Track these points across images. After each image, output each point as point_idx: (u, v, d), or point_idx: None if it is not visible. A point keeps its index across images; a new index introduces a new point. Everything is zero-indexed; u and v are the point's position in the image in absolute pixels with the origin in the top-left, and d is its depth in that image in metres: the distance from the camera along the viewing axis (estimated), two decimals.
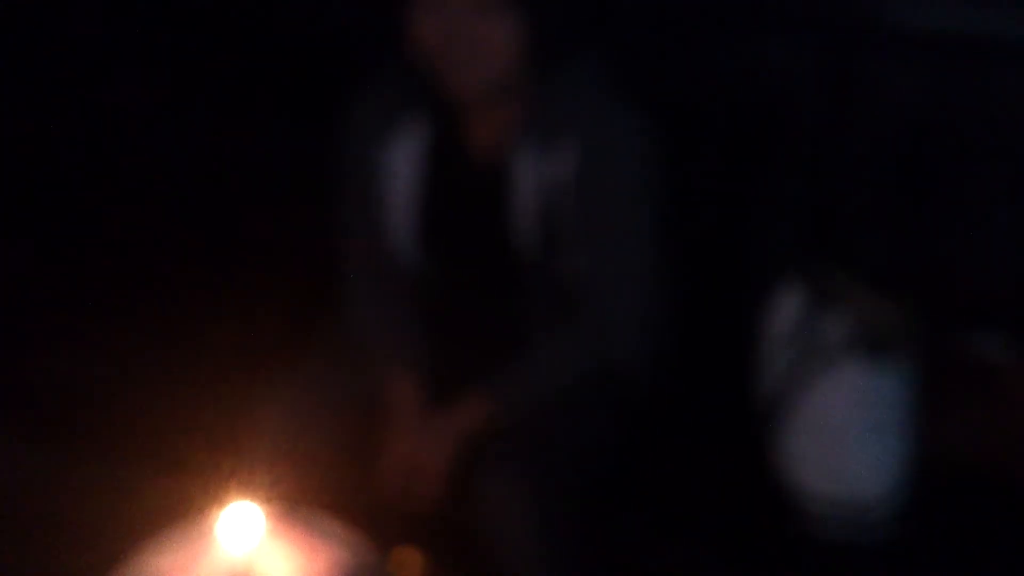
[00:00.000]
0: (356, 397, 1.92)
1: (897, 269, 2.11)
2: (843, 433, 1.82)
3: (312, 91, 2.44)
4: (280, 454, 1.74)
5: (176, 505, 1.36)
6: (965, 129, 2.10)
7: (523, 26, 1.78)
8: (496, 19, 1.78)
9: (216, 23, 2.58)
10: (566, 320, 1.90)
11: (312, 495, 1.33)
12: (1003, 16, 2.06)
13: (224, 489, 1.29)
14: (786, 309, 1.87)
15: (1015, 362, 1.94)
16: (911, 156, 2.12)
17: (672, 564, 1.83)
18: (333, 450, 1.83)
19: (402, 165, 1.92)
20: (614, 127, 1.86)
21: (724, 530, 1.86)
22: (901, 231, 2.15)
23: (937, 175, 2.12)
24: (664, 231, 1.90)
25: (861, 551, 1.80)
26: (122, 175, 2.69)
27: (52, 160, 2.70)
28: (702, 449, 1.98)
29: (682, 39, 2.26)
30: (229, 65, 2.57)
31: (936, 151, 2.11)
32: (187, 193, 2.60)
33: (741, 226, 2.16)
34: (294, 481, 1.38)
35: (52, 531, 1.91)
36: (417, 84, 1.86)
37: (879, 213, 2.14)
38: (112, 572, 1.20)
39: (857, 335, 1.79)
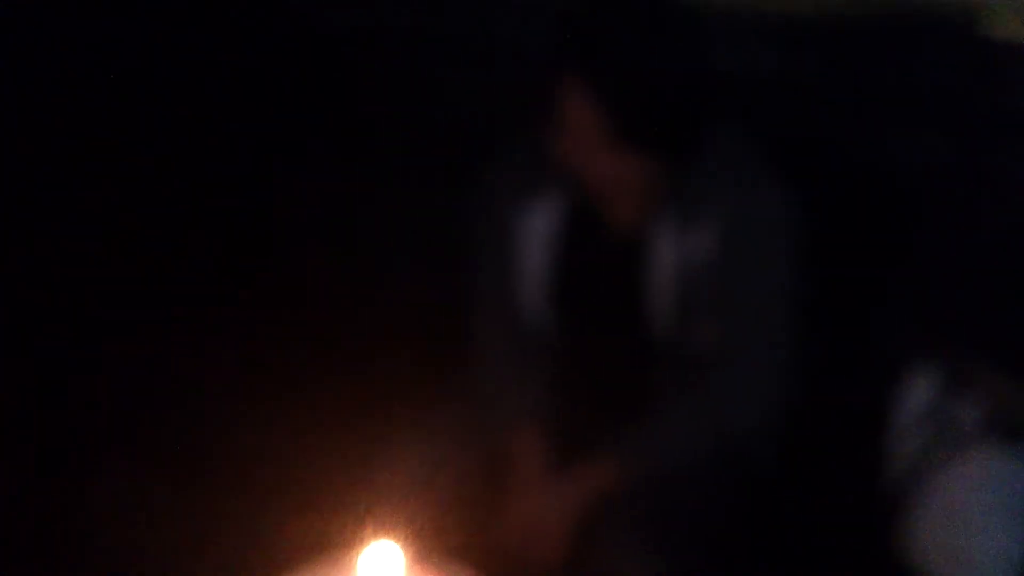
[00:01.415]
0: (485, 451, 1.97)
1: None
2: (973, 519, 1.80)
3: (458, 161, 2.53)
4: (413, 497, 1.80)
5: (315, 543, 1.42)
6: None
7: (663, 115, 1.80)
8: (620, 136, 1.79)
9: (361, 91, 2.70)
10: (695, 389, 1.93)
11: (443, 537, 1.37)
12: None
13: (361, 528, 1.35)
14: (920, 392, 1.87)
15: None
16: None
17: None
18: (462, 499, 1.88)
19: (540, 233, 1.97)
20: (753, 208, 1.89)
21: None
22: None
23: None
24: (799, 309, 1.93)
25: None
26: (270, 241, 2.80)
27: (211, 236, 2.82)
28: (827, 528, 1.97)
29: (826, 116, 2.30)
30: (376, 133, 2.68)
31: None
32: (332, 255, 2.70)
33: (876, 307, 2.16)
34: (426, 523, 1.43)
35: (194, 569, 1.98)
36: (558, 161, 1.92)
37: (1015, 297, 2.13)
38: None
39: (991, 420, 1.78)
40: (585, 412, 1.98)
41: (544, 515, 1.88)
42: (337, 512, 1.52)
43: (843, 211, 2.19)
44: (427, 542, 1.32)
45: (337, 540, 1.35)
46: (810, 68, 2.36)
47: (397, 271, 2.63)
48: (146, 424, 2.36)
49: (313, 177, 2.77)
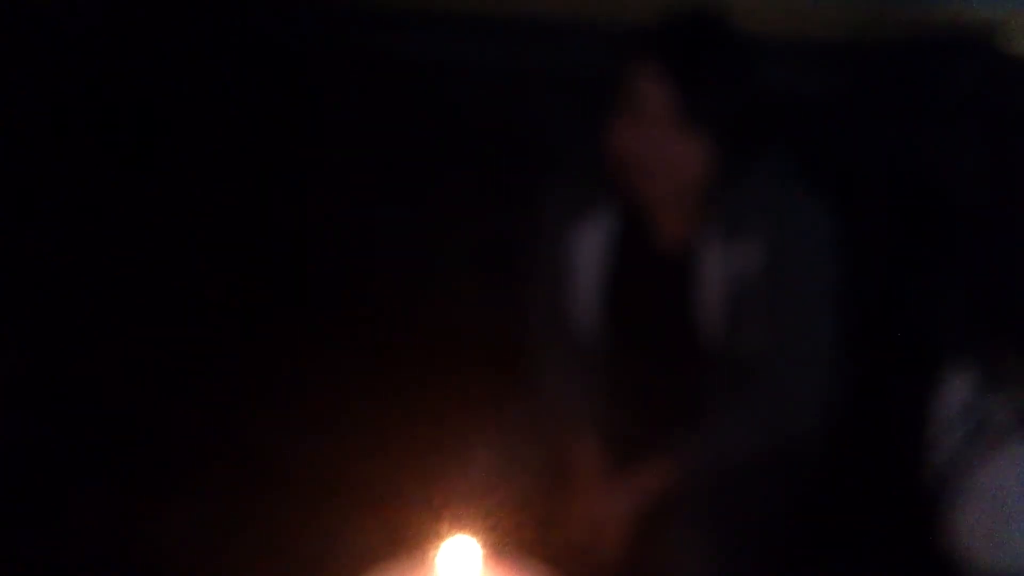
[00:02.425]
0: (546, 458, 2.06)
1: None
2: (1012, 511, 1.87)
3: (513, 179, 2.63)
4: (487, 493, 1.90)
5: (392, 539, 1.50)
6: None
7: (711, 139, 1.92)
8: (687, 135, 1.92)
9: (420, 113, 2.78)
10: (744, 394, 2.01)
11: (519, 533, 1.44)
12: None
13: (437, 523, 1.42)
14: (957, 388, 1.94)
15: None
16: None
17: None
18: (536, 495, 1.97)
19: (592, 250, 2.06)
20: (798, 220, 1.97)
21: None
22: None
23: None
24: (842, 315, 2.00)
25: None
26: (332, 275, 2.90)
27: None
28: (872, 525, 2.03)
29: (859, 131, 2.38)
30: (433, 154, 2.77)
31: None
32: (398, 276, 2.79)
33: (914, 306, 2.24)
34: (502, 518, 1.50)
35: (274, 565, 2.06)
36: (610, 178, 2.01)
37: None
38: None
39: None
40: (644, 416, 2.07)
41: (607, 514, 1.98)
42: (414, 508, 1.59)
43: (881, 218, 2.28)
44: (503, 537, 1.38)
45: (414, 536, 1.41)
46: (841, 87, 2.44)
47: (468, 281, 2.72)
48: (216, 431, 2.44)
49: (379, 187, 2.87)
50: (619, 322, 2.09)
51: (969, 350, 1.93)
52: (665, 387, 2.07)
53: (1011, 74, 2.31)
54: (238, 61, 2.87)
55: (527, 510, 1.90)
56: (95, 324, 2.68)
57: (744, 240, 1.96)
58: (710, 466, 1.99)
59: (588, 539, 1.97)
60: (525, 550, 1.42)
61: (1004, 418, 1.86)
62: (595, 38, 2.52)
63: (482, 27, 2.73)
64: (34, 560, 2.21)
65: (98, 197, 2.81)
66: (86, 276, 2.74)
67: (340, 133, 2.88)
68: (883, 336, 2.24)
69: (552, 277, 2.11)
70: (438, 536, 1.33)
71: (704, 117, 1.91)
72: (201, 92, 2.85)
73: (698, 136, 1.92)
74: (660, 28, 1.96)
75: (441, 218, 2.76)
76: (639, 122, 1.92)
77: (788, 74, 2.36)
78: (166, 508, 2.28)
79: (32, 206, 2.80)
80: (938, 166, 2.31)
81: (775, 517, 2.01)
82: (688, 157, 1.93)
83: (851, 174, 2.32)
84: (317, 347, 2.56)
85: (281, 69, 2.85)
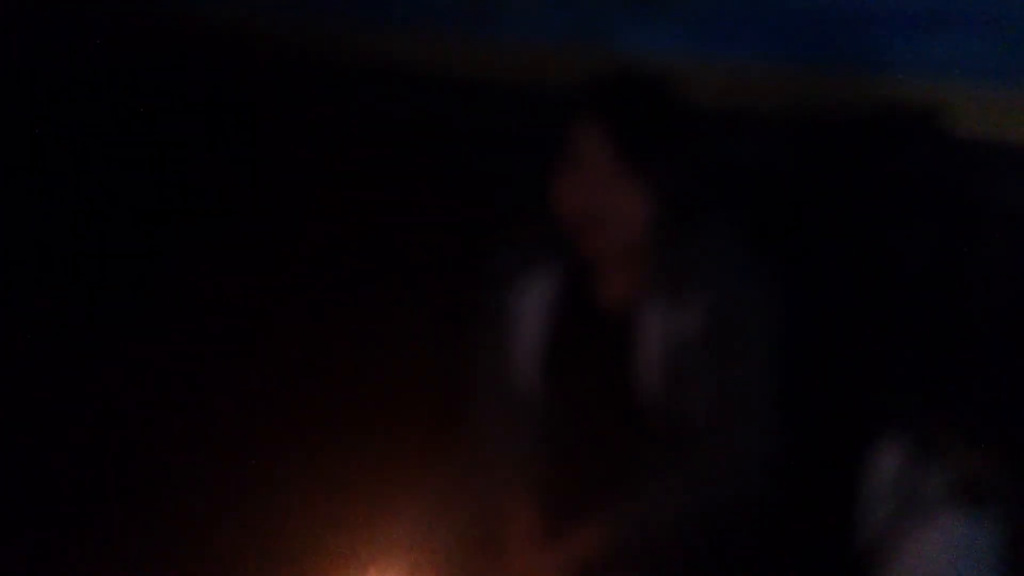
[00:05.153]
0: (478, 516, 2.04)
1: (998, 424, 2.18)
2: None
3: (458, 234, 2.64)
4: (414, 549, 1.88)
5: None
6: None
7: (654, 195, 1.96)
8: (630, 189, 1.96)
9: (366, 166, 2.81)
10: (682, 459, 2.01)
11: None
12: None
13: None
14: (888, 460, 1.95)
15: None
16: (1015, 315, 2.22)
17: None
18: (460, 555, 1.95)
19: (535, 307, 2.07)
20: (738, 284, 1.99)
21: None
22: (1004, 386, 2.22)
23: None
24: (778, 381, 2.02)
25: None
26: (267, 320, 2.89)
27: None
28: None
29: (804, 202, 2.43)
30: (378, 207, 2.78)
31: None
32: (335, 325, 2.79)
33: (849, 376, 2.26)
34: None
35: None
36: (554, 237, 2.03)
37: (982, 368, 2.22)
38: None
39: (958, 488, 1.86)
40: (580, 476, 2.06)
41: (537, 574, 1.96)
42: (339, 560, 1.58)
43: (819, 287, 2.31)
44: None
45: None
46: (791, 159, 2.48)
47: (408, 333, 2.72)
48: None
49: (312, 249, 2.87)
50: (559, 380, 2.09)
51: (902, 421, 1.95)
52: (603, 447, 2.07)
53: (954, 155, 2.35)
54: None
55: (455, 568, 1.89)
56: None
57: (685, 302, 1.98)
58: (645, 530, 1.98)
59: None
60: None
61: (935, 489, 1.87)
62: (539, 97, 2.55)
63: (427, 86, 2.76)
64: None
65: None
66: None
67: (286, 184, 2.89)
68: (817, 405, 2.26)
69: (495, 332, 2.12)
70: None
71: (643, 173, 1.95)
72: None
73: (638, 193, 1.96)
74: (600, 85, 2.01)
75: (388, 269, 2.76)
76: (581, 178, 1.96)
77: (732, 143, 2.41)
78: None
79: None
80: (877, 239, 2.35)
81: None
82: (628, 213, 1.97)
83: (791, 243, 2.35)
84: (249, 392, 2.55)
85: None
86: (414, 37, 2.83)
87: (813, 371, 2.24)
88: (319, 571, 1.63)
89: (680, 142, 1.99)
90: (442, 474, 2.10)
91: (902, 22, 2.37)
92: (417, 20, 2.83)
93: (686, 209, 2.00)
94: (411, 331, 2.71)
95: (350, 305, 2.78)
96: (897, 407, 2.02)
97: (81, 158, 3.01)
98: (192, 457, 2.47)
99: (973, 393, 2.06)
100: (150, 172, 3.00)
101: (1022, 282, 2.25)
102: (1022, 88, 2.26)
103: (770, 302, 2.01)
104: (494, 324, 2.11)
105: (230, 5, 3.07)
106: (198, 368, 2.69)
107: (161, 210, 2.95)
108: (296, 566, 1.90)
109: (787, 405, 2.05)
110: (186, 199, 2.95)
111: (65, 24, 3.06)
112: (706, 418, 1.99)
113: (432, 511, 2.01)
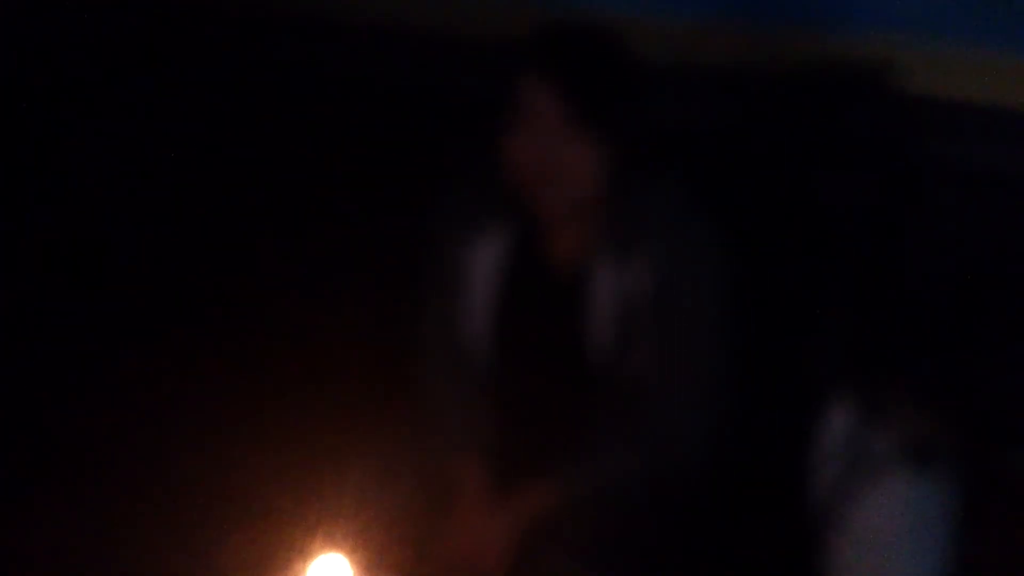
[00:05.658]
0: (426, 475, 2.03)
1: (945, 385, 2.19)
2: (888, 545, 1.88)
3: (406, 191, 2.61)
4: (362, 510, 1.86)
5: (264, 555, 1.46)
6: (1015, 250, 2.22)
7: (604, 152, 1.94)
8: (580, 147, 1.94)
9: (314, 124, 2.76)
10: (630, 416, 2.01)
11: (391, 551, 1.42)
12: None
13: (308, 541, 1.40)
14: (837, 421, 1.96)
15: None
16: (962, 275, 2.23)
17: None
18: (409, 515, 1.94)
19: (485, 265, 2.05)
20: (688, 243, 1.99)
21: None
22: (951, 347, 2.24)
23: (987, 294, 2.22)
24: (728, 341, 2.02)
25: None
26: (210, 278, 2.84)
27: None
28: (752, 554, 2.05)
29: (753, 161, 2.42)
30: (329, 165, 2.74)
31: (988, 271, 2.21)
32: (281, 282, 2.76)
33: (797, 336, 2.26)
34: (374, 536, 1.48)
35: None
36: (505, 194, 2.01)
37: (929, 329, 2.23)
38: None
39: (904, 448, 1.87)
40: (529, 435, 2.05)
41: (486, 535, 1.95)
42: (285, 524, 1.57)
43: (768, 247, 2.31)
44: (377, 556, 1.36)
45: (285, 553, 1.39)
46: (740, 118, 2.47)
47: (348, 292, 2.70)
48: (82, 440, 2.39)
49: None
50: (509, 339, 2.08)
51: (851, 382, 1.96)
52: (552, 406, 2.06)
53: (903, 113, 2.35)
54: None
55: (403, 528, 1.88)
56: None
57: (635, 261, 1.96)
58: (593, 489, 1.98)
59: (465, 560, 1.95)
60: (398, 570, 1.40)
61: (884, 450, 1.88)
62: (488, 52, 2.52)
63: (377, 41, 2.72)
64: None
65: None
66: None
67: (231, 140, 2.84)
68: (767, 365, 2.26)
69: (444, 290, 2.10)
70: (309, 554, 1.31)
71: (593, 131, 1.93)
72: None
73: (588, 150, 1.94)
74: (548, 37, 1.98)
75: (333, 226, 2.73)
76: (531, 135, 1.94)
77: (681, 100, 2.39)
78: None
79: None
80: (826, 198, 2.35)
81: (656, 542, 2.00)
82: (578, 171, 1.95)
83: (741, 201, 2.35)
84: (191, 352, 2.52)
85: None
86: None
87: (763, 331, 2.25)
88: (267, 534, 1.61)
89: (630, 99, 1.97)
90: (390, 435, 2.09)
91: None
92: None
93: (636, 167, 1.99)
94: (357, 289, 2.68)
95: (296, 263, 2.74)
96: (846, 368, 2.02)
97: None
98: (131, 416, 2.43)
99: (921, 354, 2.07)
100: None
101: (971, 242, 2.25)
102: (977, 46, 2.27)
103: (720, 261, 2.00)
104: (443, 283, 2.09)
105: None
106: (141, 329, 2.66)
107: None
108: (243, 530, 1.87)
109: (737, 365, 2.05)
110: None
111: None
112: (656, 377, 1.99)
113: (380, 472, 2.00)
